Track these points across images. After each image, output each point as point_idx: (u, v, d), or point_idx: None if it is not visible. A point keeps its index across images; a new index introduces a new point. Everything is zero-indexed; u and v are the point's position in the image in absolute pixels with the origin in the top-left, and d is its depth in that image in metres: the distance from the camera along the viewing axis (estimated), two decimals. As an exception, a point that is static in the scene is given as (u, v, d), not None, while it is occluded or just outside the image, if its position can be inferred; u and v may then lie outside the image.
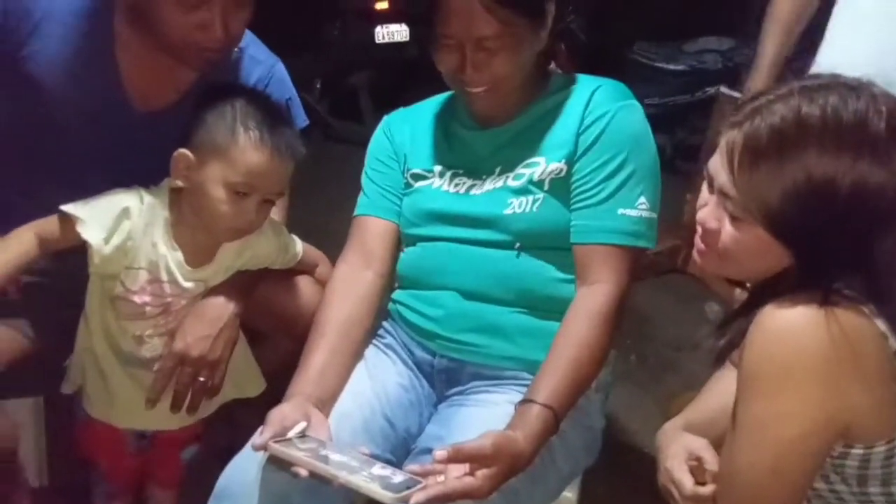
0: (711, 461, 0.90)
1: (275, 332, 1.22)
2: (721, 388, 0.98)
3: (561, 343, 1.00)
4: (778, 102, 0.78)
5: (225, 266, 1.12)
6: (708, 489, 0.88)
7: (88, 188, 1.06)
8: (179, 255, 1.08)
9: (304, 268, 1.22)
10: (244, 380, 1.18)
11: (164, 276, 1.08)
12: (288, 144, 1.05)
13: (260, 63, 1.18)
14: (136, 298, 1.08)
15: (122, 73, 1.09)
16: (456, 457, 0.85)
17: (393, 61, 3.45)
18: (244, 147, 1.02)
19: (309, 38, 3.54)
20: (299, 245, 1.20)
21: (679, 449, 0.93)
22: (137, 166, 1.08)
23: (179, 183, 1.05)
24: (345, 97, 3.64)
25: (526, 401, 0.95)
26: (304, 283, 1.21)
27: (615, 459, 1.20)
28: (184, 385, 1.06)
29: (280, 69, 1.22)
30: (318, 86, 3.60)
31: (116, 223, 1.04)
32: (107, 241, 1.03)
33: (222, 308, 1.09)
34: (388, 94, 3.38)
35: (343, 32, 3.56)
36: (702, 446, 0.93)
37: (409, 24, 3.25)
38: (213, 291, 1.11)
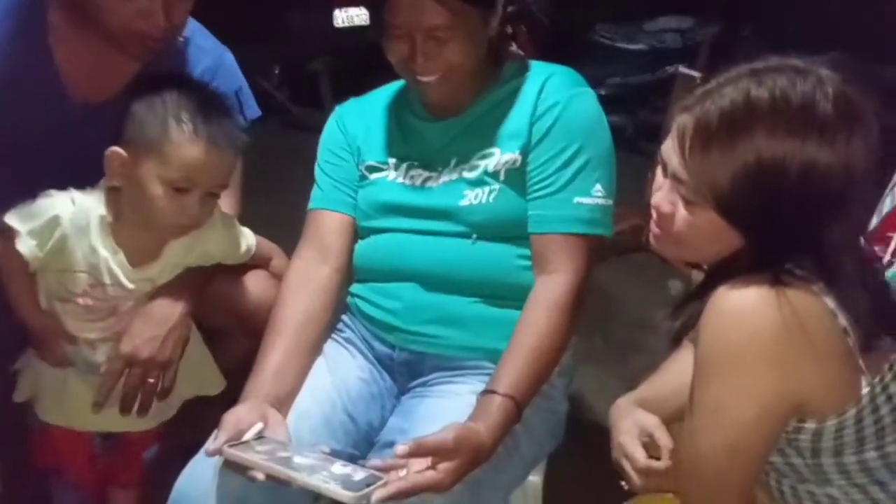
0: (663, 438, 0.92)
1: (231, 328, 1.20)
2: (676, 368, 1.00)
3: (521, 333, 1.00)
4: (728, 86, 0.78)
5: (172, 263, 1.09)
6: (661, 464, 0.90)
7: (34, 185, 1.02)
8: (121, 257, 1.05)
9: (259, 261, 1.19)
10: (203, 378, 1.16)
11: (107, 279, 1.05)
12: (226, 135, 1.01)
13: (206, 53, 1.15)
14: (80, 301, 1.05)
15: (58, 65, 1.05)
16: (417, 451, 0.85)
17: (353, 46, 3.39)
18: (178, 141, 0.98)
19: (268, 24, 3.47)
20: (252, 239, 1.17)
21: (631, 425, 0.95)
22: (83, 162, 1.04)
23: (115, 182, 1.02)
24: (304, 83, 3.58)
25: (487, 391, 0.96)
26: (259, 278, 1.19)
27: (581, 440, 1.22)
28: (132, 387, 1.04)
29: (228, 58, 1.19)
30: (277, 72, 3.53)
31: (48, 231, 1.01)
32: (40, 249, 1.01)
33: (171, 307, 1.07)
34: (348, 80, 3.33)
35: (302, 17, 3.50)
36: (654, 424, 0.94)
37: (368, 8, 3.19)
38: (160, 291, 1.08)
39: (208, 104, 1.02)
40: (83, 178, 1.05)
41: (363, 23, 3.40)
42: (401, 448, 0.84)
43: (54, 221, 1.01)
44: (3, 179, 1.04)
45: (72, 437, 1.11)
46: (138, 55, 1.03)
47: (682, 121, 0.80)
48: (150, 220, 1.03)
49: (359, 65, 3.33)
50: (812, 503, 0.84)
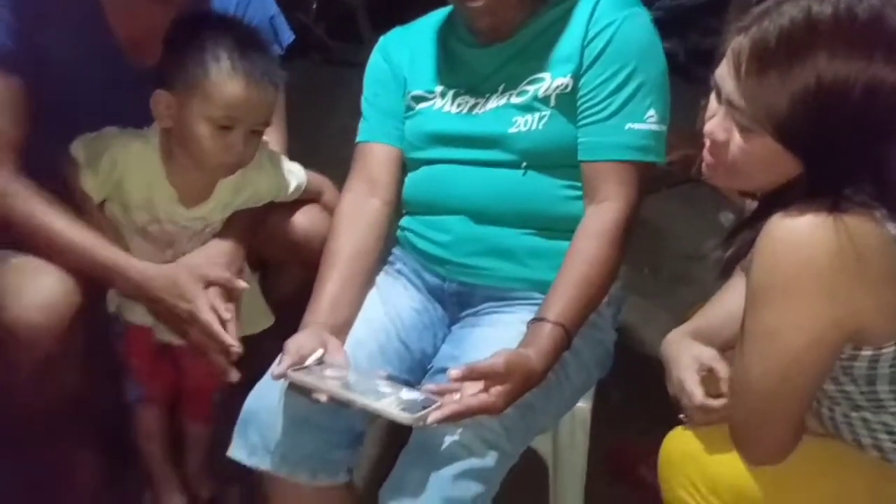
0: (723, 371, 0.92)
1: (284, 260, 1.23)
2: (728, 296, 0.99)
3: (571, 261, 1.00)
4: (787, 3, 0.74)
5: (223, 202, 1.12)
6: (718, 402, 0.90)
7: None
8: (174, 193, 1.09)
9: (310, 195, 1.22)
10: (254, 314, 1.20)
11: (162, 216, 1.09)
12: (264, 71, 1.02)
13: None
14: (143, 234, 1.11)
15: (115, 33, 1.07)
16: (470, 375, 0.87)
17: (390, -24, 3.30)
18: (217, 79, 1.00)
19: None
20: (303, 175, 1.19)
21: (690, 360, 0.95)
22: (140, 122, 1.08)
23: (164, 124, 1.04)
24: (342, 18, 3.52)
25: (537, 319, 0.97)
26: (311, 211, 1.21)
27: (629, 370, 1.23)
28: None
29: None
30: (314, 6, 3.47)
31: (108, 167, 1.04)
32: (101, 184, 1.05)
33: (225, 245, 1.11)
34: (386, 12, 3.27)
35: (337, -52, 3.41)
36: (712, 356, 0.94)
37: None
38: (218, 236, 1.12)
39: (245, 41, 1.02)
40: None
41: (400, -49, 3.29)
42: (454, 372, 0.86)
43: (113, 159, 1.05)
44: (62, 136, 1.06)
45: (144, 335, 1.17)
46: (170, 3, 1.03)
47: (737, 42, 0.77)
48: (199, 160, 1.05)
49: (396, -4, 3.27)
50: (866, 430, 0.85)
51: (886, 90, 0.71)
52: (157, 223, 1.10)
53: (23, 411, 1.07)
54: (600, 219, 1.02)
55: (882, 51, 0.71)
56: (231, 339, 1.05)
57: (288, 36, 1.21)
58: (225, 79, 0.99)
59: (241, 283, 1.10)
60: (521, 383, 0.90)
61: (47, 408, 1.07)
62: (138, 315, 1.15)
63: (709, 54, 2.60)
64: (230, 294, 1.09)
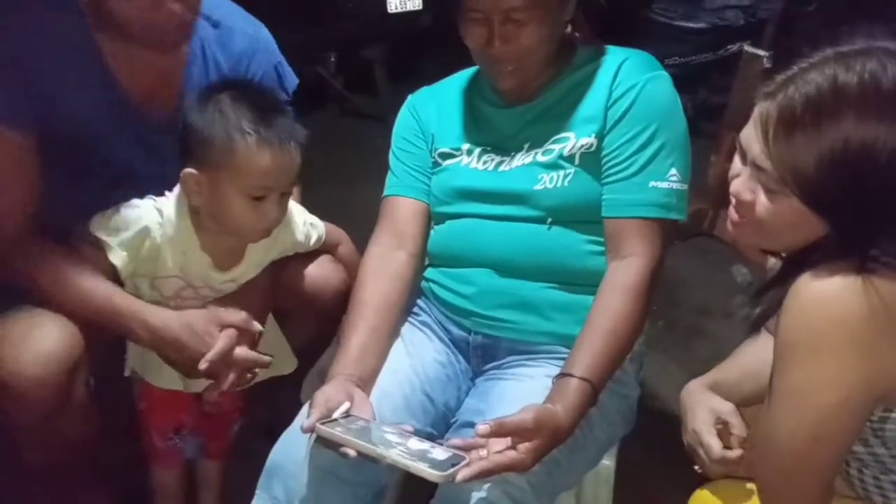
0: (738, 426, 0.92)
1: (297, 310, 1.24)
2: (750, 351, 0.99)
3: (596, 316, 1.01)
4: (812, 71, 0.76)
5: (255, 263, 1.14)
6: (735, 453, 0.90)
7: (100, 194, 1.06)
8: (209, 260, 1.10)
9: (327, 247, 1.23)
10: (277, 358, 1.21)
11: (197, 283, 1.11)
12: (289, 134, 1.03)
13: (241, 34, 1.13)
14: (171, 303, 1.11)
15: (120, 84, 1.06)
16: (498, 431, 0.87)
17: (406, 31, 3.40)
18: (247, 153, 0.99)
19: (321, 11, 3.50)
20: (322, 228, 1.21)
21: (706, 412, 0.95)
22: (148, 170, 1.09)
23: (194, 201, 1.05)
24: (359, 70, 3.61)
25: (564, 374, 0.97)
26: (324, 262, 1.22)
27: (647, 424, 1.22)
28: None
29: (264, 36, 1.17)
30: (333, 60, 3.56)
31: (139, 241, 1.05)
32: (132, 259, 1.05)
33: (251, 293, 1.13)
34: (403, 66, 3.36)
35: (356, 3, 3.51)
36: (729, 411, 0.94)
37: (421, -8, 3.20)
38: (244, 287, 1.13)
39: (264, 106, 1.03)
40: (150, 185, 1.08)
41: (416, 7, 3.40)
42: (482, 427, 0.86)
43: (144, 232, 1.05)
44: (73, 192, 1.06)
45: (176, 396, 1.17)
46: (164, 47, 1.02)
47: (764, 108, 0.79)
48: (232, 229, 1.07)
49: (412, 50, 3.36)
50: (896, 493, 0.84)
51: None
52: (191, 289, 1.11)
53: (28, 466, 1.06)
54: (625, 274, 1.03)
55: None
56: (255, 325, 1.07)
57: (292, 81, 1.22)
58: (255, 152, 0.99)
59: (257, 325, 1.10)
60: (549, 440, 0.90)
61: (52, 462, 1.06)
62: (167, 380, 1.15)
63: (716, 110, 2.66)
64: (248, 337, 1.09)
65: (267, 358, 1.11)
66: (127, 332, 1.07)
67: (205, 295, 1.12)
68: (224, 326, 1.07)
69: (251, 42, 1.14)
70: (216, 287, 1.12)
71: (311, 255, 1.22)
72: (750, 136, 0.81)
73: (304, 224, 1.19)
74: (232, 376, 1.07)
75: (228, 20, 1.13)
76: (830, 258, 0.77)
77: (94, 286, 1.04)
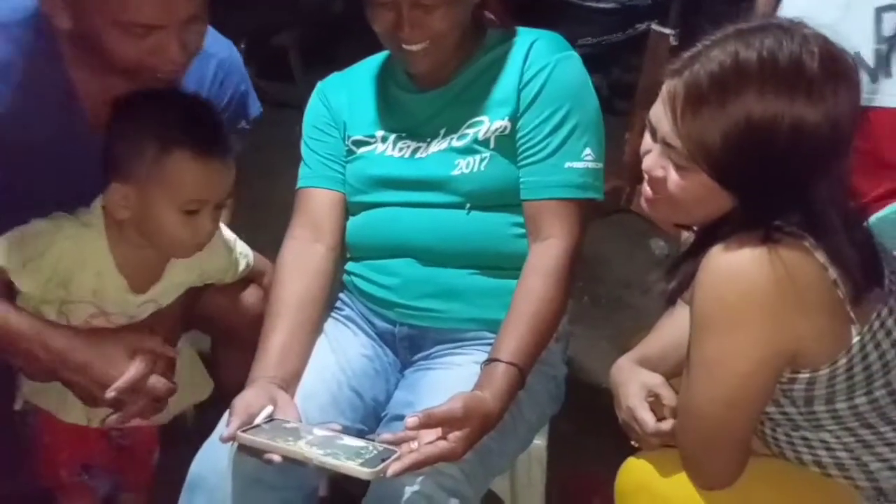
0: (669, 397, 0.95)
1: (219, 341, 1.19)
2: (672, 324, 1.02)
3: (520, 300, 1.01)
4: (715, 48, 0.79)
5: (175, 283, 1.08)
6: (668, 424, 0.93)
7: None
8: (124, 283, 1.03)
9: (251, 276, 1.18)
10: (196, 384, 1.16)
11: (111, 308, 1.03)
12: (222, 146, 0.98)
13: (212, 56, 1.10)
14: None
15: (84, 105, 1.01)
16: (427, 422, 0.86)
17: (320, 16, 3.32)
18: (181, 167, 0.95)
19: (230, -1, 3.36)
20: (251, 257, 1.16)
21: (637, 387, 0.97)
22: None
23: (120, 216, 0.98)
24: (273, 58, 3.49)
25: (491, 360, 0.97)
26: (250, 293, 1.18)
27: (577, 400, 1.25)
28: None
29: (235, 57, 1.15)
30: (244, 47, 3.43)
31: (48, 264, 0.97)
32: (40, 283, 0.98)
33: (165, 318, 1.07)
34: (317, 51, 3.27)
35: (265, -12, 3.39)
36: (659, 383, 0.97)
37: (333, -24, 3.12)
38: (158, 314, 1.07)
39: (197, 118, 0.98)
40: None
41: (329, -9, 3.32)
42: (411, 420, 0.85)
43: (57, 254, 0.97)
44: (27, 216, 0.99)
45: (82, 432, 1.09)
46: (153, 84, 0.98)
47: (671, 85, 0.81)
48: (163, 246, 1.01)
49: (327, 35, 3.28)
50: (806, 448, 0.88)
51: (810, 127, 0.76)
52: (103, 316, 1.03)
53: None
54: (546, 256, 1.03)
55: (803, 92, 0.76)
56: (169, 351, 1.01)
57: (256, 109, 1.19)
58: (187, 165, 0.95)
59: (171, 351, 1.04)
60: (479, 427, 0.90)
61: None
62: (70, 412, 1.07)
63: (629, 88, 2.73)
64: (163, 364, 1.02)
65: (174, 385, 1.03)
66: (23, 354, 0.98)
67: (117, 322, 1.04)
68: (135, 351, 0.99)
69: (220, 65, 1.12)
70: (130, 313, 1.04)
71: (237, 285, 1.17)
72: (659, 114, 0.82)
73: (234, 251, 1.13)
74: (136, 406, 1.00)
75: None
76: (738, 230, 0.80)
77: None
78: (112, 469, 1.16)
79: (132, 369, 0.98)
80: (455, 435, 0.87)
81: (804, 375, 0.83)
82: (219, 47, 1.12)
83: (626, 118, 2.44)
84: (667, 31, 2.27)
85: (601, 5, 3.16)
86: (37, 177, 0.99)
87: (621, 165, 2.22)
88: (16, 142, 0.96)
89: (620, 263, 2.22)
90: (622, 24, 3.14)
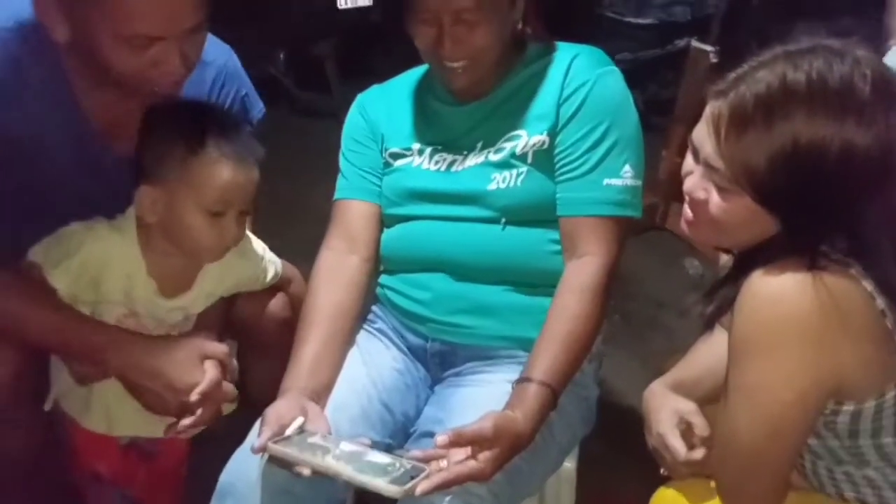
0: (701, 425, 0.92)
1: (247, 347, 1.19)
2: (708, 349, 1.00)
3: (554, 319, 1.00)
4: (762, 70, 0.77)
5: (206, 292, 1.10)
6: (699, 453, 0.90)
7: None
8: (154, 286, 1.05)
9: (278, 284, 1.19)
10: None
11: (141, 310, 1.05)
12: (248, 150, 1.01)
13: (209, 64, 1.09)
14: None
15: (85, 114, 1.02)
16: (457, 441, 0.85)
17: (357, 27, 3.35)
18: (206, 167, 0.97)
19: (270, 8, 3.43)
20: (279, 266, 1.18)
21: (669, 413, 0.95)
22: (118, 207, 1.04)
23: (149, 219, 1.01)
24: (310, 68, 3.55)
25: (523, 379, 0.96)
26: (276, 301, 1.18)
27: (607, 421, 1.22)
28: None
29: (232, 63, 1.15)
30: (282, 57, 3.49)
31: (80, 265, 0.99)
32: (74, 283, 1.00)
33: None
34: (354, 62, 3.31)
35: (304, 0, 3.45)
36: (691, 410, 0.94)
37: (371, -13, 3.16)
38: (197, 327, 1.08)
39: (223, 123, 1.01)
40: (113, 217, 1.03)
41: (366, 3, 3.35)
42: (441, 438, 0.84)
43: (88, 256, 1.00)
44: (31, 224, 1.00)
45: (102, 441, 1.11)
46: (153, 97, 0.99)
47: (715, 106, 0.79)
48: (189, 249, 1.02)
49: (364, 46, 3.32)
50: (849, 484, 0.85)
51: (859, 152, 0.74)
52: (134, 317, 1.05)
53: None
54: (582, 274, 1.02)
55: (853, 115, 0.74)
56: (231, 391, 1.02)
57: (259, 111, 1.20)
58: (214, 165, 0.97)
59: (235, 361, 1.05)
60: (509, 447, 0.88)
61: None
62: (96, 422, 1.09)
63: (666, 104, 2.70)
64: (225, 372, 1.03)
65: (236, 392, 1.05)
66: (91, 358, 1.00)
67: (146, 325, 1.06)
68: (204, 358, 1.01)
69: (219, 72, 1.12)
70: (160, 316, 1.06)
71: (264, 293, 1.17)
72: (702, 135, 0.81)
73: (263, 259, 1.15)
74: (207, 412, 1.00)
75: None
76: (782, 255, 0.78)
77: (59, 312, 0.98)
78: (128, 482, 1.16)
79: (210, 373, 0.99)
80: (485, 455, 0.86)
81: (849, 408, 0.80)
82: (217, 54, 1.12)
83: (661, 134, 2.41)
84: (707, 47, 2.24)
85: (639, 20, 3.15)
86: (48, 189, 1.00)
87: (657, 182, 2.20)
88: (25, 155, 0.97)
89: (654, 282, 2.19)
90: (660, 39, 3.12)
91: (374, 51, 3.19)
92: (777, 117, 0.75)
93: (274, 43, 3.42)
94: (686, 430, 0.93)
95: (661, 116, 2.72)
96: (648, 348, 1.87)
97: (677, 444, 0.91)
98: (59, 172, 1.01)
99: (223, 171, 0.98)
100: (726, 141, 0.78)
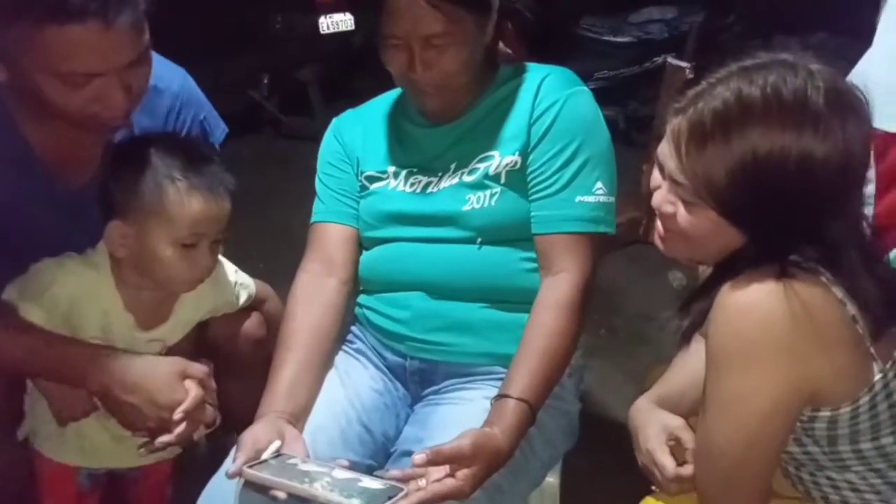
0: (689, 440, 0.92)
1: (223, 368, 1.17)
2: (689, 362, 1.00)
3: (531, 335, 1.01)
4: (718, 86, 0.78)
5: (183, 321, 1.10)
6: (688, 469, 0.90)
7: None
8: (132, 319, 1.05)
9: (253, 304, 1.20)
10: None
11: (120, 344, 1.05)
12: (219, 180, 1.01)
13: (163, 91, 1.09)
14: None
15: (37, 154, 1.01)
16: (435, 459, 0.85)
17: (339, 51, 3.39)
18: (177, 200, 0.98)
19: (252, 34, 3.46)
20: (252, 287, 1.18)
21: (657, 429, 0.95)
22: (80, 245, 1.04)
23: (119, 254, 1.01)
24: (293, 92, 3.57)
25: (501, 396, 0.96)
26: (250, 321, 1.18)
27: (592, 435, 1.22)
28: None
29: (188, 88, 1.14)
30: (266, 82, 3.52)
31: (54, 301, 1.00)
32: (50, 318, 1.00)
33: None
34: (337, 86, 3.34)
35: (287, 25, 3.49)
36: (679, 426, 0.95)
37: (352, 12, 3.20)
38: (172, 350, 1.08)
39: (192, 155, 1.01)
40: (78, 252, 1.03)
41: (348, 28, 3.39)
42: (418, 457, 0.84)
43: (60, 293, 1.00)
44: (6, 269, 1.00)
45: (62, 472, 1.10)
46: (102, 133, 1.00)
47: (675, 123, 0.81)
48: (162, 281, 1.03)
49: (346, 70, 3.35)
50: (832, 489, 0.85)
51: (818, 162, 0.75)
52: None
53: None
54: (558, 290, 1.03)
55: (809, 126, 0.75)
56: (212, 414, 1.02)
57: (221, 131, 1.19)
58: (185, 198, 0.98)
59: (213, 383, 1.05)
60: (487, 464, 0.89)
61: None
62: (67, 453, 1.08)
63: (647, 120, 2.74)
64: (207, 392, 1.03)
65: (217, 415, 1.05)
66: (71, 376, 0.99)
67: None
68: (186, 377, 1.00)
69: (174, 98, 1.11)
70: (138, 348, 1.06)
71: (239, 313, 1.18)
72: (665, 151, 0.82)
73: (236, 283, 1.15)
74: (187, 431, 0.99)
75: (153, 79, 1.03)
76: (752, 266, 0.79)
77: (36, 334, 0.97)
78: None
79: (193, 391, 0.99)
80: (463, 472, 0.86)
81: (825, 414, 0.80)
82: (170, 80, 1.10)
83: (643, 150, 2.44)
84: (683, 64, 2.28)
85: (618, 39, 3.19)
86: (4, 226, 0.99)
87: (639, 197, 2.22)
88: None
89: (638, 295, 2.20)
90: (639, 57, 3.17)
91: (356, 75, 3.22)
92: (734, 132, 0.76)
93: (257, 68, 3.45)
94: (675, 446, 0.93)
95: (643, 132, 2.75)
96: (634, 362, 1.87)
97: (666, 461, 0.91)
98: (16, 210, 1.00)
99: (194, 204, 0.98)
100: (687, 156, 0.79)
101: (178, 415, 0.97)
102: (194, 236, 1.00)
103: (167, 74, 1.10)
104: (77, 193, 1.04)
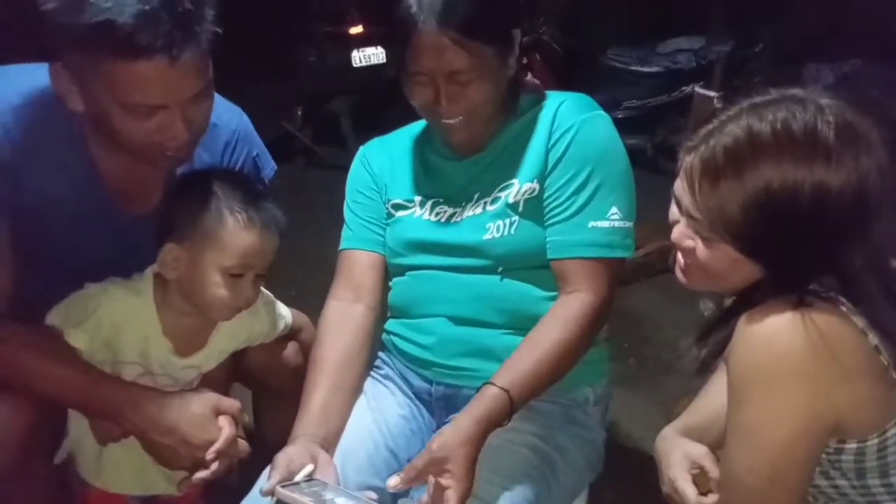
0: (712, 469, 0.92)
1: (260, 394, 1.23)
2: (715, 391, 0.99)
3: (533, 338, 1.02)
4: (729, 123, 0.80)
5: (219, 350, 1.13)
6: (710, 499, 0.90)
7: None
8: (169, 345, 1.09)
9: (290, 332, 1.23)
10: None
11: (157, 369, 1.09)
12: (273, 219, 1.06)
13: (221, 128, 1.13)
14: None
15: (104, 179, 1.06)
16: (411, 476, 0.88)
17: (371, 84, 3.48)
18: (234, 230, 1.03)
19: (287, 66, 3.57)
20: (289, 317, 1.22)
21: (680, 457, 0.95)
22: (132, 270, 1.08)
23: (170, 276, 1.05)
24: (327, 123, 3.67)
25: (486, 383, 0.98)
26: (288, 349, 1.21)
27: (620, 465, 1.21)
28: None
29: (244, 126, 1.18)
30: (300, 113, 3.62)
31: (96, 324, 1.03)
32: (91, 342, 1.04)
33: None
34: (369, 117, 3.42)
35: (320, 58, 3.60)
36: (702, 454, 0.94)
37: (384, 46, 3.29)
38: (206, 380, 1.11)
39: (252, 191, 1.07)
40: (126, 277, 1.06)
41: (380, 61, 3.49)
42: (393, 481, 0.87)
43: (103, 317, 1.04)
44: (46, 284, 1.03)
45: (110, 499, 1.13)
46: (164, 165, 1.04)
47: (688, 161, 0.82)
48: (205, 307, 1.06)
49: (378, 101, 3.43)
50: (864, 525, 0.84)
51: (832, 194, 0.76)
52: (149, 375, 1.09)
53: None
54: (567, 306, 1.04)
55: (821, 159, 0.76)
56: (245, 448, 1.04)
57: (271, 169, 1.22)
58: (241, 230, 1.03)
59: (246, 416, 1.08)
60: (464, 455, 0.90)
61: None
62: (107, 480, 1.11)
63: (675, 148, 2.73)
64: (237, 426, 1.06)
65: (249, 448, 1.07)
66: (112, 415, 1.01)
67: (163, 383, 1.09)
68: (218, 413, 1.03)
69: (231, 135, 1.16)
70: (175, 374, 1.10)
71: (276, 341, 1.21)
72: (679, 188, 0.84)
73: (274, 315, 1.19)
74: (222, 466, 1.01)
75: (213, 116, 1.08)
76: (771, 296, 0.79)
77: (79, 370, 1.00)
78: None
79: (226, 431, 1.01)
80: (448, 475, 0.88)
81: (851, 445, 0.79)
82: (228, 117, 1.15)
83: (672, 178, 2.43)
84: (711, 93, 2.29)
85: (646, 69, 3.22)
86: (66, 250, 1.04)
87: (668, 225, 2.20)
88: (45, 217, 1.01)
89: (668, 325, 2.17)
90: (667, 86, 3.18)
91: (387, 106, 3.30)
92: (746, 168, 0.77)
93: (291, 100, 3.56)
94: (698, 475, 0.93)
95: (671, 160, 2.74)
96: (664, 392, 1.85)
97: (688, 488, 0.91)
98: (77, 233, 1.05)
99: (249, 237, 1.03)
100: (701, 193, 0.80)
101: (210, 455, 1.00)
102: (242, 267, 1.04)
103: (226, 111, 1.15)
104: (135, 223, 1.09)
